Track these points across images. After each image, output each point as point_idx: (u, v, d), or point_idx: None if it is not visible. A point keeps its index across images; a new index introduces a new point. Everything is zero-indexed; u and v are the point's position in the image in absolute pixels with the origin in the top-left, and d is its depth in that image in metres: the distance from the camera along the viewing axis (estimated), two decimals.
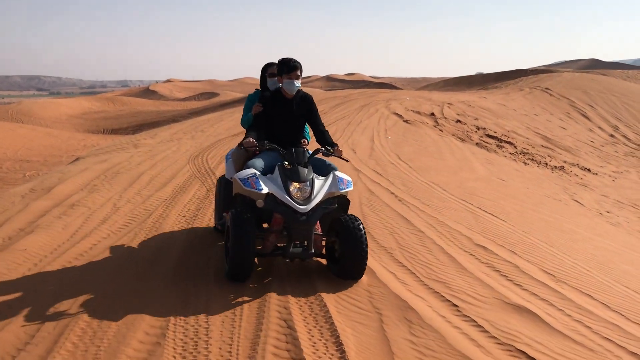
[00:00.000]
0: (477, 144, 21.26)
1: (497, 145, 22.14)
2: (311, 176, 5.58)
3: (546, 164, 21.24)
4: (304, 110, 6.27)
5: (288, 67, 5.88)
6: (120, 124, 47.93)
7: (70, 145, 31.43)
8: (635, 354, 4.70)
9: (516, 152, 22.06)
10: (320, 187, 5.62)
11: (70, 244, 6.86)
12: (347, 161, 6.65)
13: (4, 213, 8.23)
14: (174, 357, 4.46)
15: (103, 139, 35.45)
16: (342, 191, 5.76)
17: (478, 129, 24.53)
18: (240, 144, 6.26)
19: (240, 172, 5.63)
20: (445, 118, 25.22)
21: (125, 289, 5.62)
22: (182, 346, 4.62)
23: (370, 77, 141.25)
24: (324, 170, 6.00)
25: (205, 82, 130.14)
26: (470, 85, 60.80)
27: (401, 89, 78.30)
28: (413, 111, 25.50)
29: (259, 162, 5.81)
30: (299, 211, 5.37)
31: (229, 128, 18.65)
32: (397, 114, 23.79)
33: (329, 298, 5.44)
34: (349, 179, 6.00)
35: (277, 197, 5.41)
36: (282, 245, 5.73)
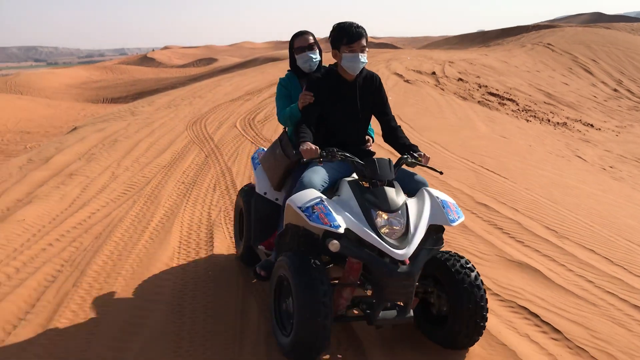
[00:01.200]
0: (479, 102, 21.02)
1: (499, 103, 21.88)
2: (403, 200, 3.64)
3: (549, 120, 21.02)
4: (371, 96, 4.29)
5: (349, 34, 3.98)
6: (119, 92, 47.58)
7: (70, 116, 31.22)
8: (637, 307, 4.66)
9: (518, 109, 21.82)
10: (418, 216, 3.64)
11: (69, 214, 6.82)
12: (441, 173, 4.16)
13: (2, 184, 8.18)
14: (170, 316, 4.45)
15: (102, 108, 35.21)
16: (453, 224, 3.65)
17: (480, 87, 24.23)
18: (284, 150, 4.35)
19: (298, 195, 3.62)
20: (446, 77, 24.90)
21: (123, 255, 5.59)
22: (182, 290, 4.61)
23: (371, 37, 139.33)
24: (409, 186, 3.95)
25: (203, 48, 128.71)
26: (472, 43, 59.88)
27: (402, 48, 77.31)
28: (414, 71, 25.16)
29: (319, 176, 3.88)
30: (395, 257, 3.41)
31: (227, 93, 18.45)
32: (397, 74, 23.48)
33: None
34: (453, 201, 3.88)
35: (360, 235, 3.46)
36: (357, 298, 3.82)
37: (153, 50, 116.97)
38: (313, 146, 3.73)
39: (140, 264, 5.41)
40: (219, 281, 5.02)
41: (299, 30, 4.69)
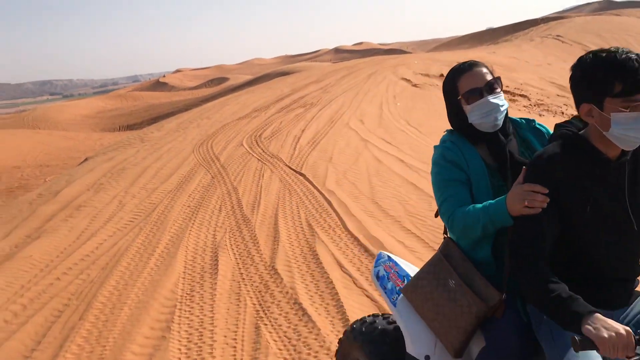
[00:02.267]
0: None
1: (510, 100, 21.63)
2: None
3: (562, 113, 20.71)
4: None
5: (633, 76, 1.85)
6: (134, 119, 48.07)
7: (88, 146, 31.63)
8: None
9: (530, 104, 21.54)
10: None
11: (76, 246, 6.84)
12: None
13: (11, 221, 8.25)
14: (179, 349, 4.41)
15: (119, 136, 35.60)
16: None
17: None
18: (476, 291, 2.20)
19: None
20: None
21: (129, 284, 5.57)
22: (187, 337, 4.57)
23: (379, 44, 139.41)
24: None
25: (214, 68, 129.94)
26: (481, 41, 59.63)
27: (410, 53, 77.19)
28: (422, 74, 25.02)
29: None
30: None
31: (234, 112, 18.51)
32: (405, 79, 23.37)
33: (336, 278, 5.34)
34: None
35: None
36: None
37: (164, 75, 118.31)
38: (621, 328, 1.70)
39: (146, 292, 5.39)
40: (224, 306, 4.97)
41: (465, 61, 2.53)
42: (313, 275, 5.49)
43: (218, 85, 73.97)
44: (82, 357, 4.40)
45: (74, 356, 4.42)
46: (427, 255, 5.65)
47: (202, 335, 4.54)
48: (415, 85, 21.84)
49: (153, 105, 56.82)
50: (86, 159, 14.79)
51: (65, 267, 6.21)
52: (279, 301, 5.03)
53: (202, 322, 4.78)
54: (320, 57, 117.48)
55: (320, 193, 8.20)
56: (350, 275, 5.41)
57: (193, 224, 7.34)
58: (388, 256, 2.97)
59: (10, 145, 29.98)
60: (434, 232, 6.28)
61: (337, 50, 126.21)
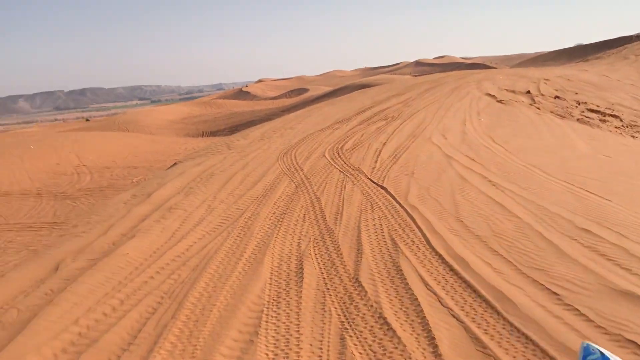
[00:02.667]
0: (578, 119, 20.02)
1: (601, 120, 20.72)
2: None
3: None
4: None
5: None
6: (217, 126, 49.61)
7: (173, 150, 32.91)
8: None
9: (622, 125, 20.55)
10: None
11: (168, 247, 7.16)
12: None
13: (109, 220, 8.73)
14: (267, 354, 4.53)
15: (202, 142, 36.87)
16: None
17: (579, 104, 23.09)
18: None
19: None
20: (542, 95, 23.96)
21: (218, 287, 5.78)
22: (274, 343, 4.69)
23: (462, 58, 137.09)
24: None
25: (294, 79, 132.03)
26: (570, 58, 57.43)
27: (495, 67, 75.42)
28: (507, 90, 24.43)
29: None
30: None
31: (316, 123, 18.77)
32: (490, 95, 22.90)
33: (421, 295, 5.33)
34: None
35: None
36: None
37: (247, 85, 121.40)
38: None
39: (234, 296, 5.57)
40: (309, 314, 5.07)
41: None
42: (397, 291, 5.50)
43: (298, 95, 75.09)
44: (174, 354, 4.61)
45: (168, 353, 4.63)
46: (516, 278, 5.54)
47: (288, 342, 4.65)
48: (500, 102, 21.35)
49: (235, 113, 58.38)
50: (175, 163, 15.41)
51: (158, 266, 6.51)
52: (364, 314, 5.08)
53: (288, 328, 4.89)
54: (400, 70, 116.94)
55: (403, 208, 8.18)
56: (435, 294, 5.38)
57: (278, 231, 7.51)
58: (601, 353, 2.35)
59: (102, 146, 31.60)
60: (523, 255, 6.13)
61: (418, 64, 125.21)
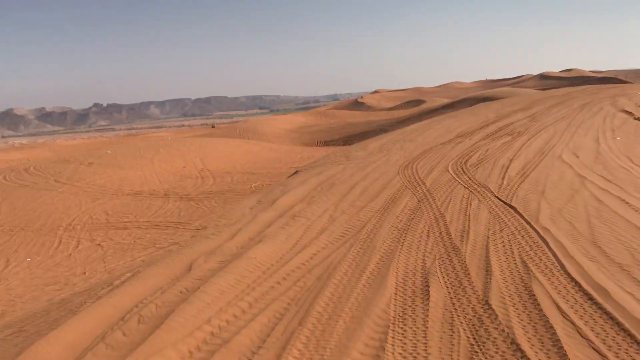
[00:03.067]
0: None
1: None
2: None
3: None
4: None
5: None
6: (332, 135, 50.32)
7: (289, 158, 33.82)
8: None
9: None
10: None
11: (293, 254, 7.30)
12: None
13: (236, 224, 9.08)
14: None
15: (317, 151, 37.57)
16: None
17: None
18: None
19: None
20: None
21: (343, 298, 5.78)
22: None
23: (591, 71, 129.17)
24: None
25: (411, 90, 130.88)
26: None
27: (630, 82, 70.33)
28: None
29: None
30: None
31: (437, 136, 18.45)
32: (626, 112, 21.33)
33: (556, 324, 5.01)
34: None
35: None
36: None
37: (361, 96, 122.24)
38: None
39: (359, 308, 5.55)
40: (437, 334, 4.92)
41: None
42: (530, 317, 5.20)
43: (414, 107, 74.42)
44: None
45: (295, 359, 4.69)
46: None
47: None
48: (638, 119, 19.82)
49: (350, 124, 58.89)
50: (296, 172, 15.77)
51: (285, 272, 6.64)
52: (495, 338, 4.85)
53: (415, 347, 4.78)
54: (523, 83, 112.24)
55: (534, 229, 7.78)
56: (573, 323, 5.03)
57: (402, 246, 7.41)
58: None
59: (224, 152, 33.10)
60: None
61: (543, 77, 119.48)
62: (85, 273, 13.54)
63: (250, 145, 40.26)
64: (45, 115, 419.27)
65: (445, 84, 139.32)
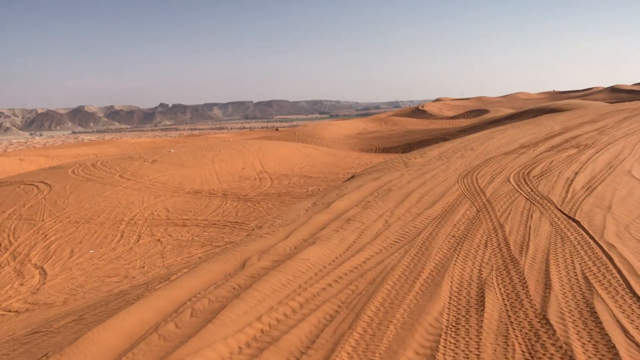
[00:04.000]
0: None
1: None
2: None
3: None
4: None
5: None
6: (391, 142, 50.01)
7: (347, 163, 33.82)
8: None
9: None
10: None
11: (346, 257, 7.26)
12: None
13: (291, 224, 9.12)
14: None
15: (375, 157, 37.40)
16: None
17: None
18: None
19: None
20: None
21: (395, 304, 5.70)
22: None
23: None
24: None
25: (474, 100, 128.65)
26: None
27: None
28: None
29: None
30: None
31: (499, 146, 18.01)
32: None
33: (619, 343, 4.77)
34: None
35: None
36: None
37: (422, 104, 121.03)
38: None
39: (411, 315, 5.45)
40: (491, 346, 4.77)
41: None
42: (591, 335, 4.97)
43: (477, 116, 73.05)
44: None
45: None
46: None
47: None
48: None
49: (410, 131, 58.36)
50: (353, 176, 15.72)
51: (337, 275, 6.61)
52: (552, 354, 4.67)
53: (467, 357, 4.65)
54: (593, 96, 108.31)
55: (598, 245, 7.45)
56: (637, 345, 4.77)
57: (458, 255, 7.25)
58: None
59: (282, 155, 33.41)
60: None
61: (614, 89, 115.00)
62: (144, 267, 13.95)
63: (308, 149, 40.49)
64: (113, 113, 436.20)
65: (510, 94, 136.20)
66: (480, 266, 6.82)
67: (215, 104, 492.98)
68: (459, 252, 7.38)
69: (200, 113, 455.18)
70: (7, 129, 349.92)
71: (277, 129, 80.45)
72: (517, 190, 10.88)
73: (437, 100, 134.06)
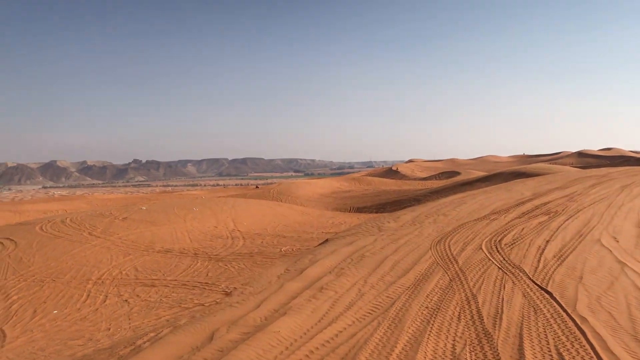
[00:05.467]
0: None
1: None
2: None
3: None
4: None
5: None
6: (364, 202, 50.26)
7: (321, 223, 33.74)
8: None
9: None
10: None
11: (318, 329, 7.09)
12: None
13: (262, 292, 8.93)
14: None
15: (349, 217, 37.44)
16: None
17: None
18: None
19: None
20: None
21: None
22: None
23: (631, 151, 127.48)
24: None
25: (446, 161, 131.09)
26: None
27: None
28: None
29: None
30: None
31: (471, 212, 18.17)
32: None
33: None
34: None
35: None
36: None
37: (395, 165, 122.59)
38: None
39: None
40: None
41: None
42: None
43: (448, 178, 74.18)
44: None
45: None
46: None
47: None
48: None
49: (383, 191, 58.86)
50: (327, 240, 15.63)
51: (308, 349, 6.43)
52: None
53: None
54: (561, 160, 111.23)
55: (571, 318, 7.42)
56: None
57: (432, 328, 7.14)
58: None
59: (256, 213, 33.24)
60: None
61: (581, 154, 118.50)
62: (109, 329, 13.45)
63: (282, 207, 40.41)
64: (86, 169, 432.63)
65: (480, 157, 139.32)
66: (454, 340, 6.71)
67: (190, 161, 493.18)
68: (433, 325, 7.27)
69: (174, 169, 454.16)
70: None
71: (257, 187, 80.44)
72: (489, 259, 10.90)
73: (410, 161, 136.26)
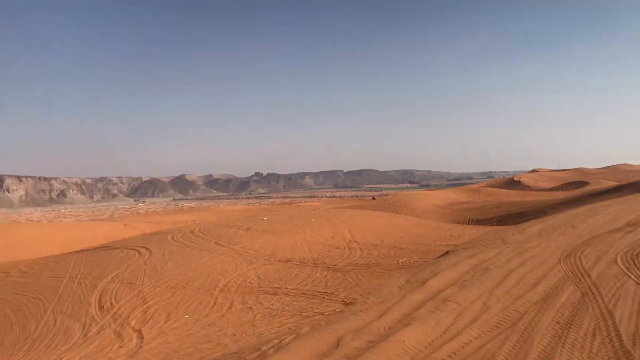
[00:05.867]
0: None
1: None
2: None
3: None
4: None
5: None
6: (484, 214, 48.69)
7: (438, 235, 33.15)
8: None
9: None
10: None
11: (443, 341, 7.03)
12: None
13: (384, 302, 8.99)
14: None
15: (469, 230, 36.47)
16: None
17: None
18: None
19: None
20: None
21: None
22: None
23: None
24: None
25: (572, 171, 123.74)
26: None
27: None
28: None
29: None
30: None
31: (603, 223, 17.05)
32: None
33: None
34: None
35: None
36: None
37: (517, 175, 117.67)
38: None
39: None
40: None
41: None
42: None
43: (575, 189, 70.05)
44: None
45: None
46: None
47: None
48: None
49: (504, 203, 56.70)
50: (447, 252, 15.39)
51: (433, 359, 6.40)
52: None
53: None
54: None
55: None
56: None
57: (564, 344, 6.83)
58: None
59: (372, 225, 33.33)
60: None
61: None
62: (235, 335, 14.13)
63: (398, 219, 40.22)
64: (212, 182, 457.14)
65: (611, 166, 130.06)
66: (589, 357, 6.37)
67: (307, 173, 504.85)
68: (565, 341, 6.95)
69: (292, 182, 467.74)
70: (114, 195, 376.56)
71: (373, 198, 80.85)
72: (626, 274, 10.19)
73: (533, 171, 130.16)
